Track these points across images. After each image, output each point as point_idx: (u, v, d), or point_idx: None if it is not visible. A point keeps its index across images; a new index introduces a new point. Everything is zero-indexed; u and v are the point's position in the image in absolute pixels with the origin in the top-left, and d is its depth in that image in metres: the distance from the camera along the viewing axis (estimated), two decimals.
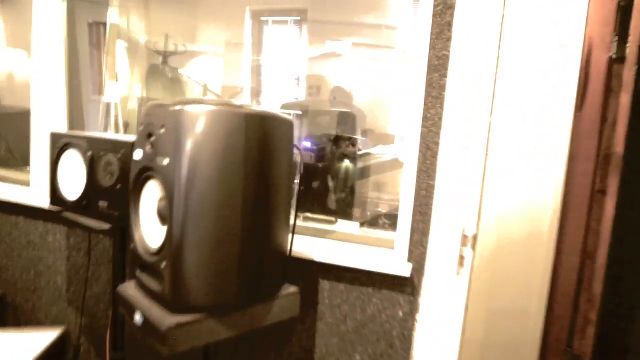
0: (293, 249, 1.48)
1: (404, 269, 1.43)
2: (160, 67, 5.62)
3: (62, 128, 1.89)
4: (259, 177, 1.08)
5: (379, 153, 2.69)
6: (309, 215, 1.79)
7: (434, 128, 1.34)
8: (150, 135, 1.07)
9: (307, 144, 4.89)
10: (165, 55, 5.57)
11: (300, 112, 5.54)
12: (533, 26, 1.65)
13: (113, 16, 2.68)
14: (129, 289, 1.16)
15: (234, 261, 1.06)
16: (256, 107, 1.14)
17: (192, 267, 1.02)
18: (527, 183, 1.56)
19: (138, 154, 1.11)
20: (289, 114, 5.93)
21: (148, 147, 1.08)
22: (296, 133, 5.50)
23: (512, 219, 1.68)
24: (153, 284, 1.08)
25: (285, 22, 5.69)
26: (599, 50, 1.54)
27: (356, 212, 2.22)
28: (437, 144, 1.34)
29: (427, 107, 1.34)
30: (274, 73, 5.96)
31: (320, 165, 4.74)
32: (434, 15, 1.32)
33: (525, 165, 1.60)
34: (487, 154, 1.31)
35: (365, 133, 4.47)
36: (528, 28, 1.66)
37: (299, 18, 5.57)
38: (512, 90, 1.66)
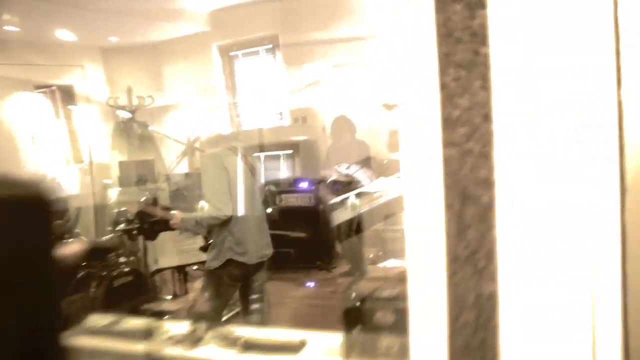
0: None
1: None
2: (123, 125, 4.90)
3: None
4: None
5: (378, 191, 1.87)
6: (248, 340, 0.97)
7: (474, 144, 0.52)
8: None
9: (304, 185, 4.06)
10: (131, 111, 4.86)
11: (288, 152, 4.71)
12: None
13: None
14: None
15: None
16: None
17: None
18: None
19: None
20: (278, 155, 5.07)
21: None
22: (281, 172, 4.62)
23: None
24: None
25: (257, 52, 5.05)
26: None
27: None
28: (487, 184, 0.51)
29: (449, 92, 0.52)
30: (253, 111, 5.26)
31: (320, 207, 3.90)
32: None
33: None
34: (624, 192, 0.49)
35: (367, 162, 3.68)
36: None
37: (270, 45, 4.94)
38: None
